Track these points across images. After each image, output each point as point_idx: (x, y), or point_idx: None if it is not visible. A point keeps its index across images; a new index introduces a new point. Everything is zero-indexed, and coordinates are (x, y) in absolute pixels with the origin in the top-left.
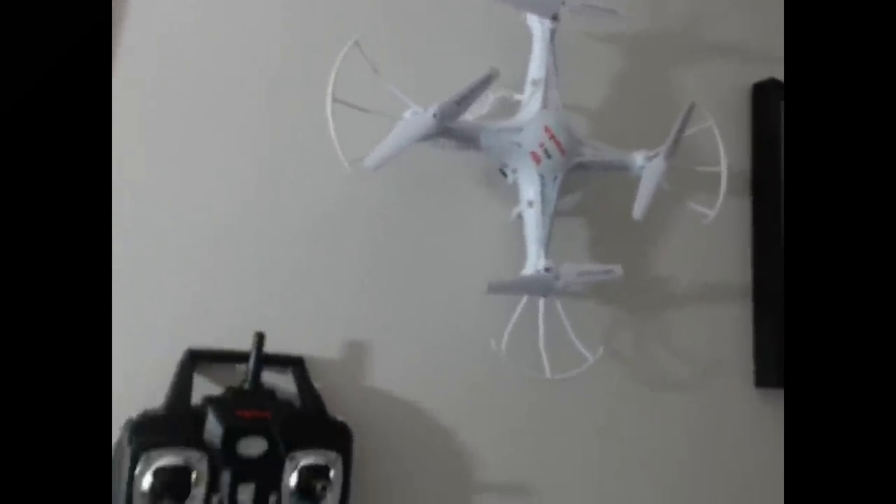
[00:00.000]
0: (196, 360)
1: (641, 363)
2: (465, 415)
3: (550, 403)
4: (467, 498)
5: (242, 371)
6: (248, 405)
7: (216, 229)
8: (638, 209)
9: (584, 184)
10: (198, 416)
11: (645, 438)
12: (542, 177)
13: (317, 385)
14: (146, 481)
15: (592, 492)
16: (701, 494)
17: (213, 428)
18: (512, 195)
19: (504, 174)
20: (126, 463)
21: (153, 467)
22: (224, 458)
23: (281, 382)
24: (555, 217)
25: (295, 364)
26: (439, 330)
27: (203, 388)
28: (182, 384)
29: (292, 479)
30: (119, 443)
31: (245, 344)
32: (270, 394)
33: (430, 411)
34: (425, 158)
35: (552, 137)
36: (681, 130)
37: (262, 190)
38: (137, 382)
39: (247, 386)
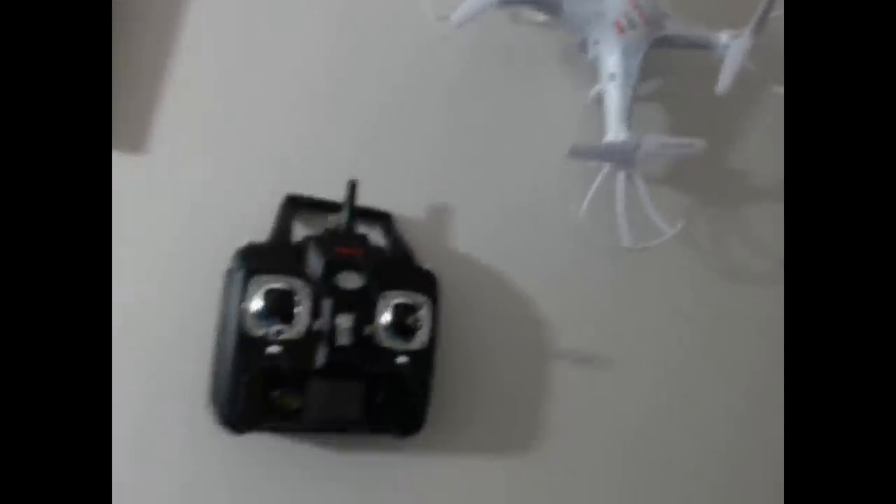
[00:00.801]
0: (294, 206)
1: (717, 253)
2: (542, 281)
3: (626, 276)
4: (541, 363)
5: (335, 221)
6: (345, 244)
7: (307, 86)
8: (722, 83)
9: (665, 68)
10: (299, 251)
11: (717, 328)
12: (625, 48)
13: None
14: (256, 302)
15: (663, 368)
16: (771, 389)
17: (314, 261)
18: (590, 75)
19: (584, 50)
20: (237, 286)
21: (262, 289)
22: (324, 288)
23: (372, 235)
24: (634, 101)
25: (383, 218)
26: (519, 196)
27: (300, 232)
28: (284, 223)
29: (385, 316)
30: (229, 270)
31: (334, 197)
32: (363, 238)
33: (508, 275)
34: (505, 34)
35: (636, 7)
36: (768, 9)
37: (347, 47)
38: (241, 222)
39: (342, 229)
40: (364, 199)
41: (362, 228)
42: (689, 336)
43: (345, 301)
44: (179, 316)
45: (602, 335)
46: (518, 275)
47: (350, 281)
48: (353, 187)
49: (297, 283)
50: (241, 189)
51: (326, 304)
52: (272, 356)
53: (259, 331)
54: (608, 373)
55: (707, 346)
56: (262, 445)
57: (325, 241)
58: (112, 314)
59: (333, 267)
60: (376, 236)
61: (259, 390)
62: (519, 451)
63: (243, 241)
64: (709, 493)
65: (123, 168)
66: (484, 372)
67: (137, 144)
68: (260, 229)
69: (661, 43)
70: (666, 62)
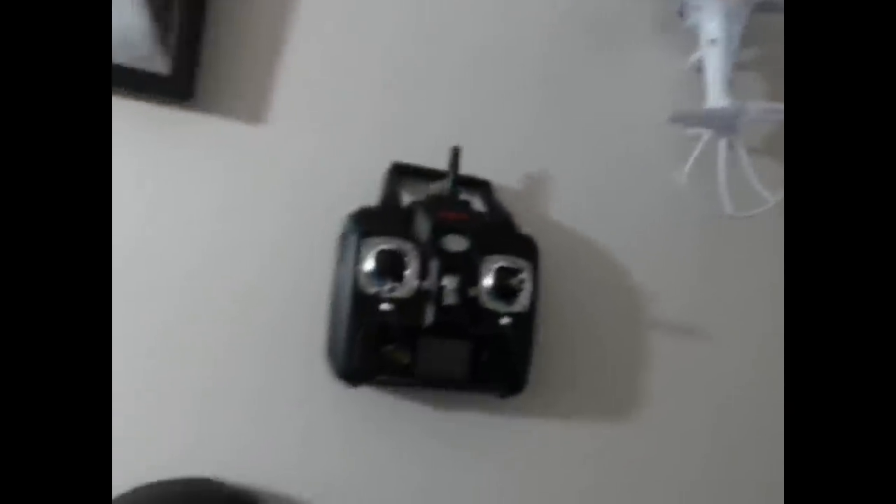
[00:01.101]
0: (399, 174)
1: None
2: (639, 249)
3: (725, 245)
4: (638, 330)
5: (437, 188)
6: (450, 209)
7: (408, 62)
8: None
9: (766, 35)
10: (407, 215)
11: None
12: (727, 13)
13: None
14: (369, 263)
15: (759, 339)
16: None
17: (421, 224)
18: (686, 42)
19: (683, 16)
20: (352, 247)
21: (375, 250)
22: (431, 250)
23: (475, 202)
24: (735, 68)
25: (482, 186)
26: (617, 164)
27: (405, 199)
28: (391, 189)
29: (488, 279)
30: (343, 233)
31: (434, 165)
32: (466, 203)
33: (605, 243)
34: (601, 2)
35: None
36: None
37: (445, 23)
38: (350, 189)
39: (446, 194)
40: (463, 168)
41: (463, 196)
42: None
43: (451, 263)
44: (296, 278)
45: (698, 304)
46: (615, 242)
47: (455, 244)
48: (456, 154)
49: (406, 245)
50: (350, 158)
51: (434, 266)
52: (384, 313)
53: (372, 289)
54: (703, 342)
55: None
56: (371, 399)
57: (431, 206)
58: (233, 279)
59: (440, 230)
60: (476, 204)
61: (372, 345)
62: (616, 417)
63: (353, 207)
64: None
65: (244, 139)
66: (582, 337)
67: (257, 116)
68: (368, 196)
69: (763, 7)
70: (767, 29)
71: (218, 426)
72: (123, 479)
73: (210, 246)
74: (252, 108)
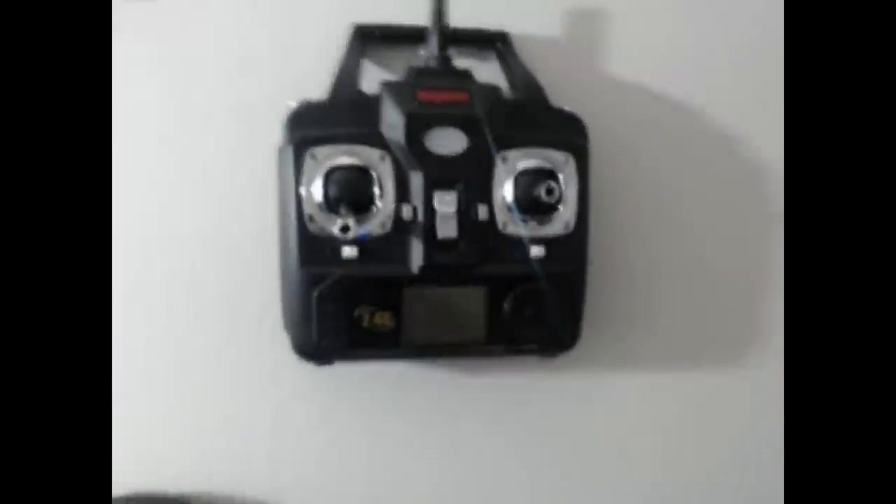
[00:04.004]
0: (365, 41)
1: None
2: (738, 105)
3: None
4: (760, 225)
5: (423, 56)
6: (437, 86)
7: None
8: None
9: None
10: (373, 106)
11: None
12: None
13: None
14: (317, 188)
15: None
16: None
17: (393, 118)
18: None
19: None
20: (290, 166)
21: (323, 168)
22: (411, 155)
23: (481, 73)
24: None
25: (495, 41)
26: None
27: (375, 78)
28: (349, 67)
29: (507, 188)
30: (280, 145)
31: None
32: (465, 74)
33: (690, 104)
34: None
35: None
36: None
37: None
38: (296, 68)
39: (432, 63)
40: (465, 20)
41: (466, 62)
42: None
43: (443, 172)
44: (232, 217)
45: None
46: (709, 101)
47: (448, 141)
48: None
49: (372, 154)
50: (292, 24)
51: (416, 180)
52: (346, 262)
53: (326, 227)
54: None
55: None
56: (355, 377)
57: (408, 86)
58: (114, 224)
59: (421, 121)
60: (488, 71)
61: (336, 308)
62: (718, 363)
63: (296, 100)
64: None
65: (129, 16)
66: (663, 254)
67: None
68: (321, 81)
69: None
70: None
71: (175, 430)
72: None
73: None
74: None
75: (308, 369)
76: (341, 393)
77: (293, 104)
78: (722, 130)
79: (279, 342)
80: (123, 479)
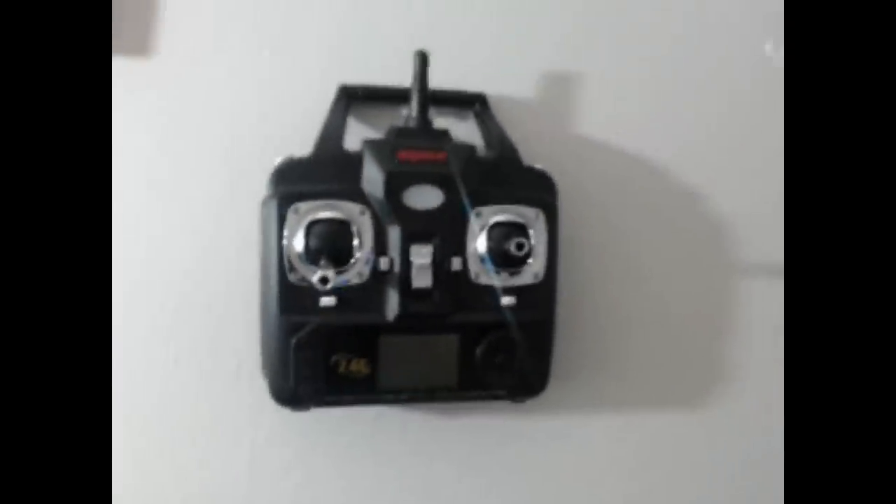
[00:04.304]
0: (350, 101)
1: None
2: (715, 164)
3: None
4: (720, 276)
5: (404, 116)
6: (416, 145)
7: None
8: None
9: None
10: (355, 163)
11: None
12: None
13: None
14: (298, 240)
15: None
16: None
17: (373, 174)
18: None
19: None
20: (273, 218)
21: (305, 221)
22: (389, 210)
23: (459, 131)
24: None
25: (474, 102)
26: (668, 55)
27: (360, 133)
28: (334, 126)
29: (480, 241)
30: (264, 199)
31: (409, 80)
32: (443, 134)
33: (665, 164)
34: None
35: None
36: None
37: None
38: (283, 126)
39: (412, 124)
40: (446, 81)
41: (445, 121)
42: None
43: (419, 227)
44: (216, 265)
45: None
46: (675, 160)
47: (425, 197)
48: (423, 60)
49: (352, 209)
50: (282, 83)
51: (393, 233)
52: (325, 310)
53: (306, 277)
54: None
55: None
56: (334, 422)
57: (389, 145)
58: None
59: (400, 179)
60: (465, 129)
61: (314, 355)
62: (683, 404)
63: (281, 157)
64: None
65: (125, 74)
66: (629, 301)
67: (140, 45)
68: (307, 139)
69: None
70: None
71: (153, 472)
72: None
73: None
74: (132, 34)
75: (285, 413)
76: (318, 437)
77: (278, 160)
78: (686, 188)
79: (257, 387)
80: None
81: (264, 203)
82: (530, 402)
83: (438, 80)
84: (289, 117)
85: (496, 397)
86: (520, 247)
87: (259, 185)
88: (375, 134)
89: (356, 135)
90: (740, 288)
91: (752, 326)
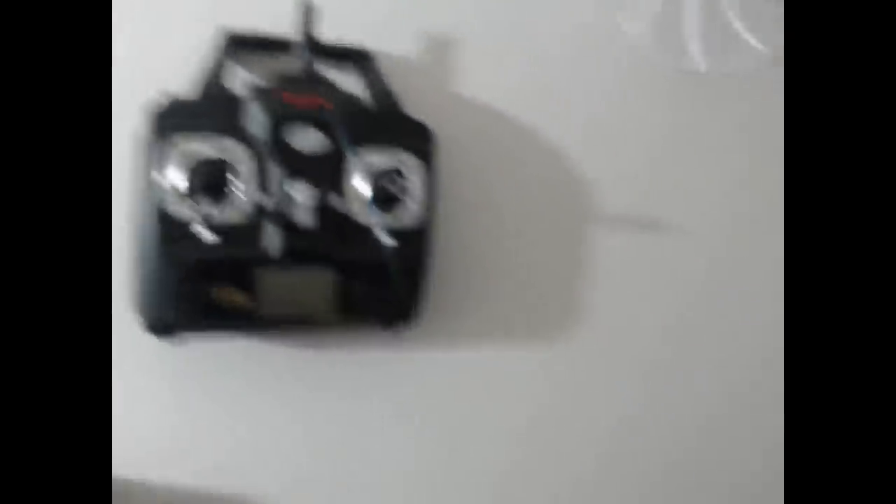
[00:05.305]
0: (235, 47)
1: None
2: (575, 128)
3: (692, 115)
4: (578, 228)
5: (289, 64)
6: (300, 91)
7: None
8: None
9: None
10: (238, 105)
11: None
12: None
13: None
14: (178, 174)
15: (724, 233)
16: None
17: (257, 117)
18: None
19: None
20: (152, 153)
21: (186, 156)
22: (273, 150)
23: (344, 84)
24: None
25: (358, 58)
26: (545, 18)
27: (244, 81)
28: (217, 68)
29: (359, 182)
30: (141, 135)
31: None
32: (328, 83)
33: (530, 122)
34: None
35: None
36: None
37: None
38: (163, 68)
39: (297, 73)
40: (333, 33)
41: (330, 74)
42: (758, 195)
43: (301, 166)
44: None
45: (650, 195)
46: (543, 122)
47: (309, 140)
48: (308, 11)
49: (233, 147)
50: (163, 27)
51: (276, 173)
52: (204, 247)
53: (185, 212)
54: (656, 241)
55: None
56: (208, 353)
57: (273, 90)
58: None
59: (283, 120)
60: (350, 84)
61: (193, 289)
62: (546, 337)
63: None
64: (764, 371)
65: None
66: (498, 245)
67: None
68: (188, 82)
69: None
70: None
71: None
72: None
73: None
74: None
75: (163, 348)
76: (196, 373)
77: (159, 96)
78: (552, 147)
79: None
80: None
81: (142, 139)
82: (406, 335)
83: (326, 34)
84: (169, 60)
85: (371, 324)
86: (393, 182)
87: (135, 123)
88: (260, 82)
89: (240, 82)
90: (596, 237)
91: (600, 271)
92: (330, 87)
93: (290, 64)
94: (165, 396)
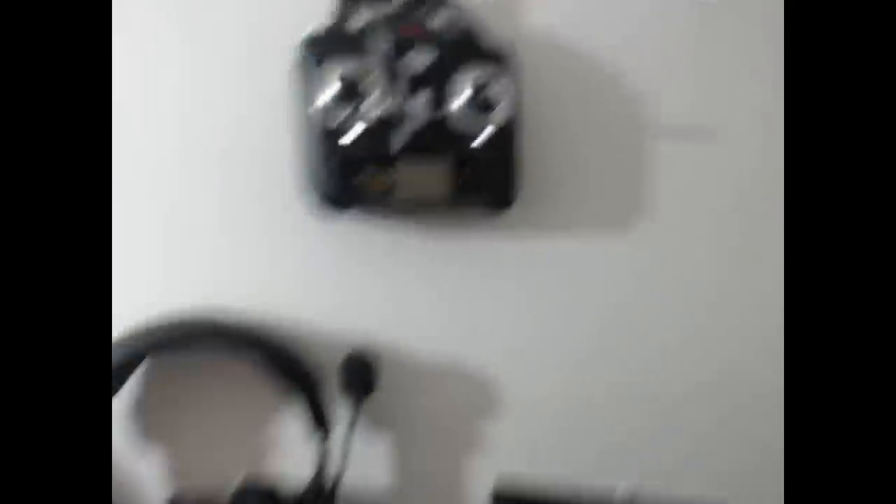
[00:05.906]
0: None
1: None
2: (626, 49)
3: (722, 34)
4: (634, 137)
5: (392, 7)
6: (412, 21)
7: None
8: None
9: None
10: (365, 36)
11: None
12: None
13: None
14: (328, 91)
15: (768, 140)
16: None
17: (380, 43)
18: None
19: None
20: (310, 75)
21: (333, 75)
22: (394, 69)
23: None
24: None
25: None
26: None
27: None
28: (343, 10)
29: (460, 93)
30: (297, 63)
31: None
32: (427, 18)
33: (589, 47)
34: None
35: None
36: None
37: None
38: (295, 18)
39: (403, 11)
40: None
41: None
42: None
43: (417, 80)
44: (265, 116)
45: (695, 103)
46: (598, 43)
47: (420, 60)
48: None
49: (366, 67)
50: None
51: (399, 86)
52: (348, 146)
53: (334, 119)
54: (703, 144)
55: None
56: (354, 231)
57: (389, 24)
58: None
59: (402, 46)
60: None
61: (346, 175)
62: (617, 228)
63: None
64: None
65: None
66: (573, 148)
67: None
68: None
69: None
70: None
71: (211, 263)
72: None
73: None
74: None
75: (321, 228)
76: (348, 247)
77: (307, 30)
78: (611, 66)
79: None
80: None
81: (299, 61)
82: (504, 219)
83: None
84: (304, 15)
85: (476, 207)
86: (486, 89)
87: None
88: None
89: (362, 21)
90: (655, 146)
91: (663, 162)
92: (429, 21)
93: (394, 7)
94: (324, 266)
